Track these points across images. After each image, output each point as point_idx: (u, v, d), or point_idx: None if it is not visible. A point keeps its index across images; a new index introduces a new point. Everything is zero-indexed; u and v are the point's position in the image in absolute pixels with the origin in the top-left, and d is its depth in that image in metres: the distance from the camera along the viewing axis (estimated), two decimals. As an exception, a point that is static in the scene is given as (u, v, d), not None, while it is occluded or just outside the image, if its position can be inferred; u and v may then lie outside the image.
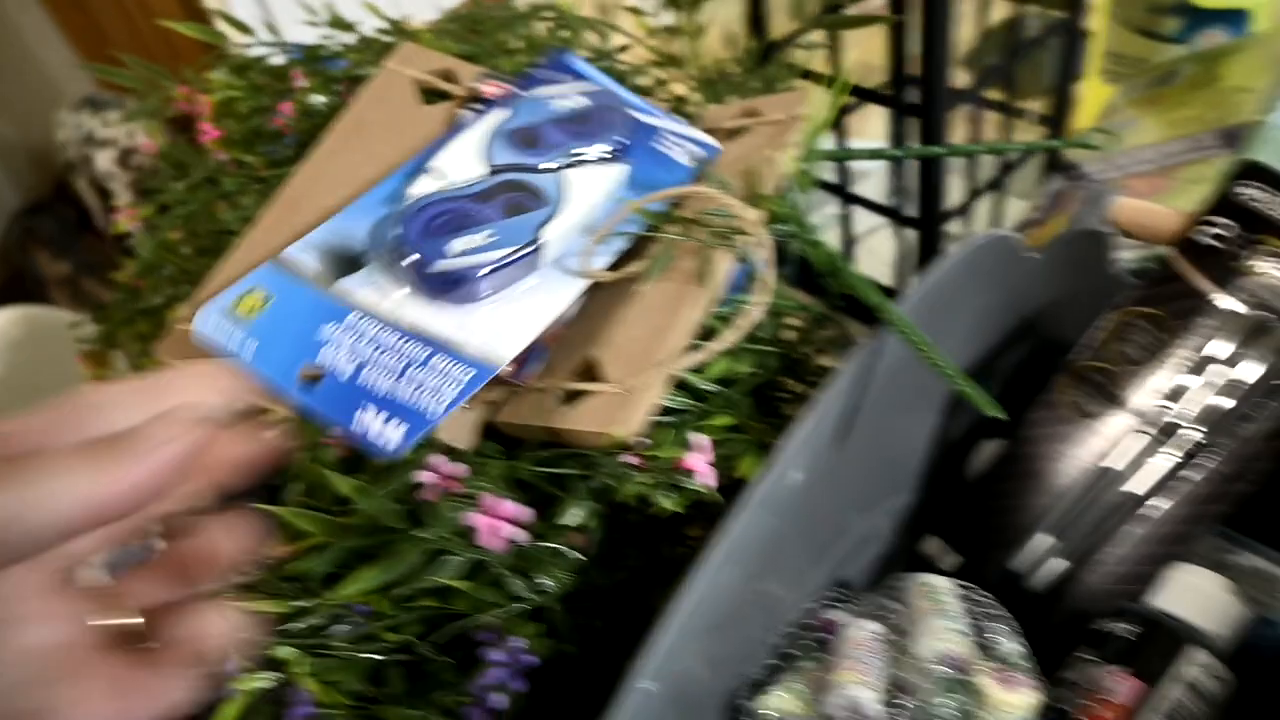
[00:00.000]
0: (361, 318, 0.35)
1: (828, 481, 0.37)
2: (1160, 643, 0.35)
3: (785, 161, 0.38)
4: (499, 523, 0.32)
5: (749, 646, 0.36)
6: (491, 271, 0.35)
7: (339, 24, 0.51)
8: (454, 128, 0.41)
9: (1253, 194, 0.36)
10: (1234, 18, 0.60)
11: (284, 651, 0.31)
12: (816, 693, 0.33)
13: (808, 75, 0.51)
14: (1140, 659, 0.34)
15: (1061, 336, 0.41)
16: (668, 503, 0.32)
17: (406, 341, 0.34)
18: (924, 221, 0.50)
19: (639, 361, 0.34)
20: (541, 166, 0.38)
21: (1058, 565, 0.37)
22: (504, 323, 0.35)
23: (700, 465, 0.32)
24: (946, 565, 0.39)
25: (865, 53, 0.55)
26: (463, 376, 0.33)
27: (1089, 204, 0.39)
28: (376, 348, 0.34)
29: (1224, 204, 0.36)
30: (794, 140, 0.39)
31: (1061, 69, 0.57)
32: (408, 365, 0.34)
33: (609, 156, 0.38)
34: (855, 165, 0.62)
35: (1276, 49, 0.54)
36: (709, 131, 0.41)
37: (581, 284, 0.37)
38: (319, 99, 0.48)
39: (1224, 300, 0.35)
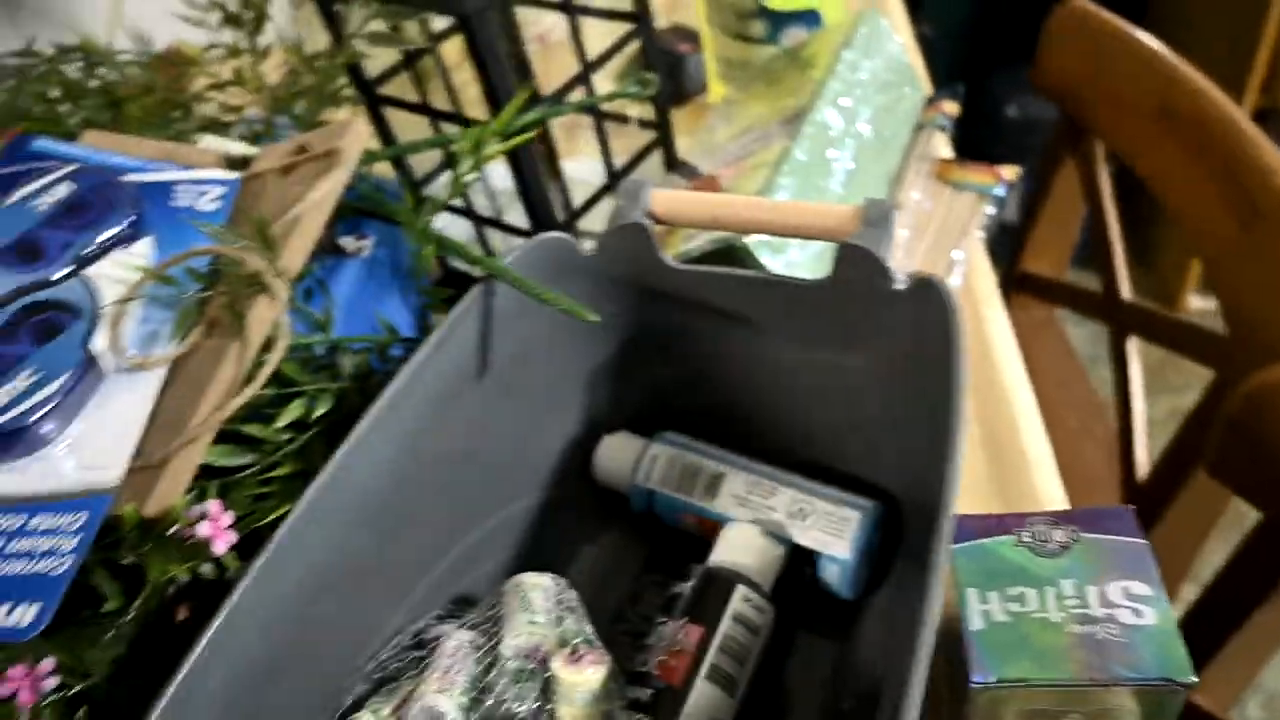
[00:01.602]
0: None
1: (418, 490, 0.39)
2: (714, 590, 0.38)
3: (326, 198, 0.39)
4: (38, 681, 0.31)
5: (339, 670, 0.36)
6: (52, 410, 0.33)
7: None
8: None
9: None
10: (808, 16, 0.67)
11: None
12: (401, 709, 0.34)
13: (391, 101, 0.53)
14: (700, 608, 0.37)
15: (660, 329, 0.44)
16: (177, 570, 0.32)
17: None
18: (533, 232, 0.52)
19: (170, 432, 0.34)
20: (56, 277, 0.36)
21: None
22: (95, 446, 0.33)
23: (214, 531, 0.32)
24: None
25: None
26: (74, 523, 0.31)
27: (628, 198, 0.42)
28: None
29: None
30: (339, 174, 0.40)
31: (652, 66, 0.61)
32: (5, 539, 0.31)
33: (127, 236, 0.37)
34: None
35: (836, 41, 0.60)
36: (257, 174, 0.42)
37: (156, 374, 0.35)
38: None
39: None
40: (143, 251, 0.37)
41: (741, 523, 0.41)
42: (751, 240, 0.47)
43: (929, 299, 0.36)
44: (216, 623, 0.29)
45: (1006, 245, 0.96)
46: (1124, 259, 0.77)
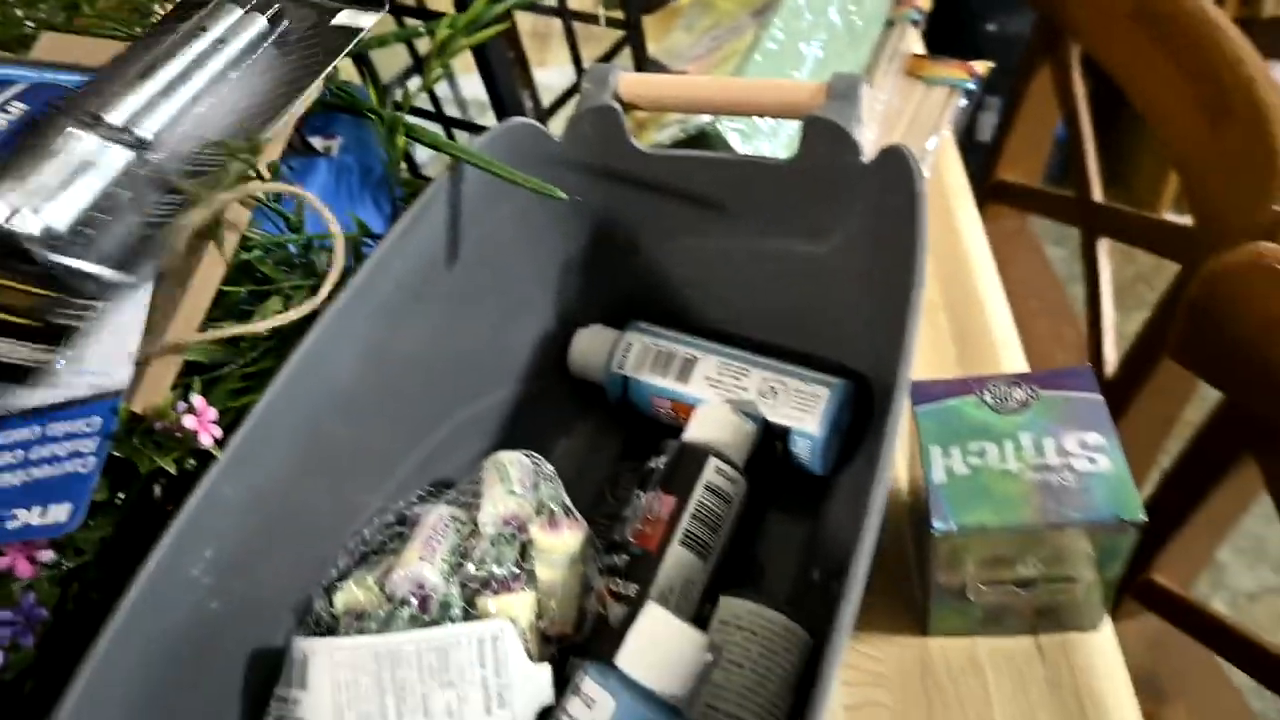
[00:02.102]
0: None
1: (390, 379, 0.39)
2: (687, 463, 0.39)
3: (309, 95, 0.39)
4: (35, 554, 0.32)
5: (324, 548, 0.37)
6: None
7: None
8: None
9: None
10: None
11: None
12: (385, 579, 0.35)
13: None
14: (675, 480, 0.39)
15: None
16: (167, 464, 0.32)
17: (7, 432, 0.31)
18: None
19: (155, 333, 0.34)
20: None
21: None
22: (99, 354, 0.32)
23: (200, 425, 0.33)
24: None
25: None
26: (90, 427, 0.30)
27: (596, 83, 0.42)
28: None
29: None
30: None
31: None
32: (26, 449, 0.31)
33: None
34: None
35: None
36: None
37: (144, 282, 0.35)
38: None
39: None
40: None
41: (714, 403, 0.42)
42: (722, 128, 0.47)
43: (894, 169, 0.36)
44: (192, 502, 0.30)
45: (981, 163, 0.96)
46: (1096, 162, 0.78)
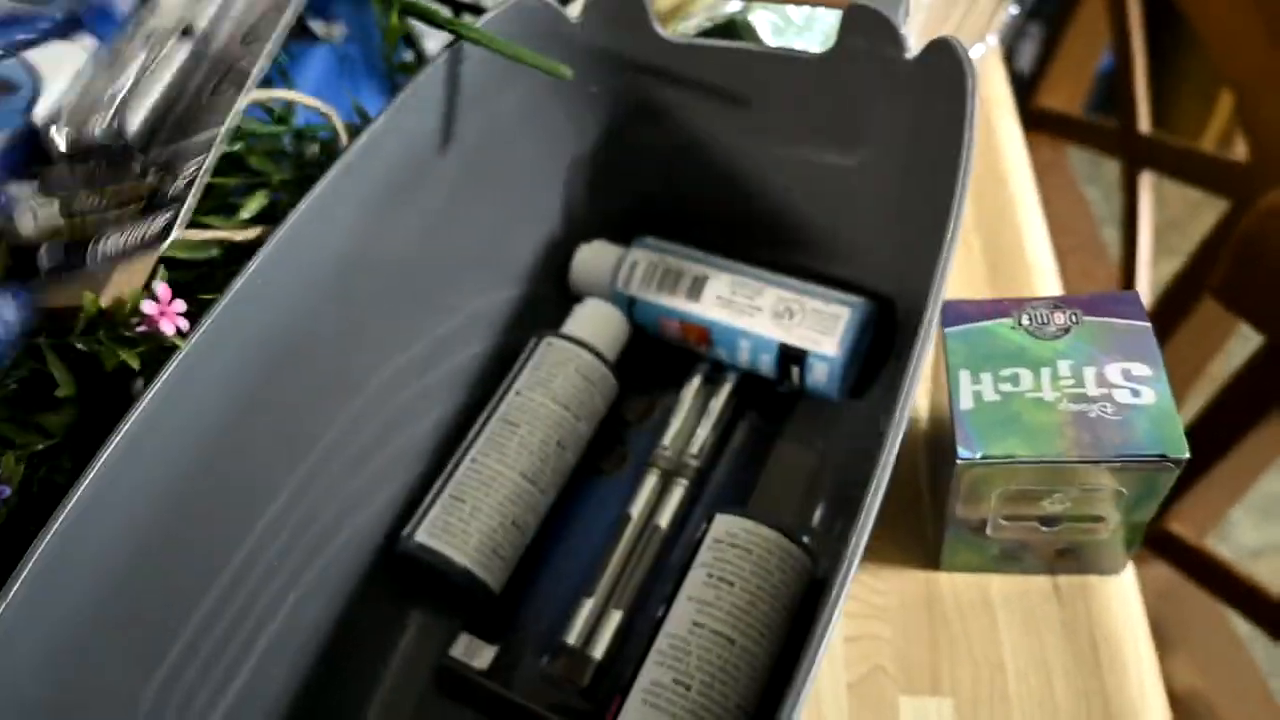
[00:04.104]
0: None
1: (383, 265, 0.37)
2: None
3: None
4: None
5: (307, 439, 0.35)
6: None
7: None
8: None
9: None
10: None
11: None
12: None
13: None
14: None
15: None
16: (128, 358, 0.30)
17: None
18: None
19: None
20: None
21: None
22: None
23: (163, 313, 0.30)
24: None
25: None
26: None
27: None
28: None
29: None
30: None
31: None
32: None
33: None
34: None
35: None
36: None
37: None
38: None
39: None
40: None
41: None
42: (753, 18, 0.43)
43: (942, 66, 0.33)
44: (159, 384, 0.28)
45: (1017, 94, 0.92)
46: (1146, 89, 0.73)
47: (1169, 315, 0.66)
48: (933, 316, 0.26)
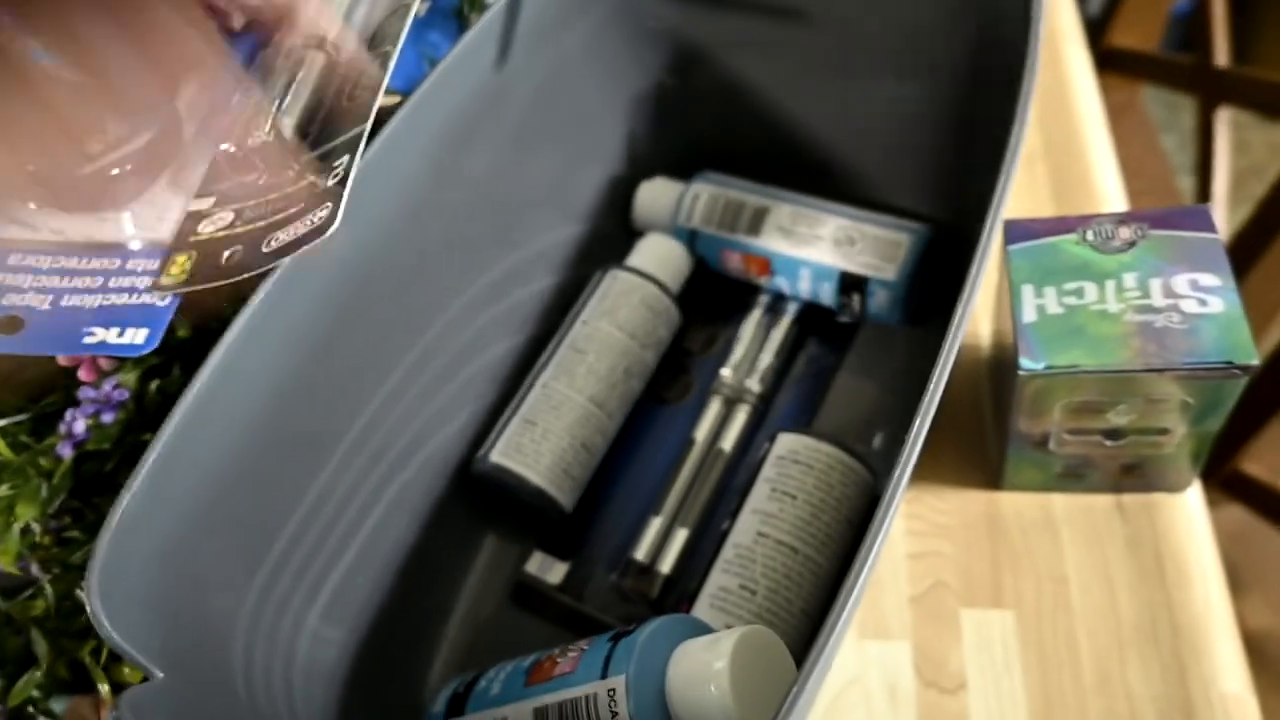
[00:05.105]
0: (24, 256, 0.33)
1: (452, 200, 0.38)
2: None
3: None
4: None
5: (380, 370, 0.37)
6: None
7: None
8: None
9: None
10: None
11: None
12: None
13: None
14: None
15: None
16: None
17: (89, 260, 0.33)
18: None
19: None
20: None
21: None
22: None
23: None
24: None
25: None
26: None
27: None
28: (62, 275, 0.33)
29: None
30: None
31: None
32: (105, 278, 0.32)
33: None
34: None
35: None
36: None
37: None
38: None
39: None
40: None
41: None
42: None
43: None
44: (255, 302, 0.30)
45: (1090, 37, 0.89)
46: (1224, 19, 0.70)
47: (1245, 257, 0.64)
48: (992, 229, 0.27)
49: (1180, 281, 0.31)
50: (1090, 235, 0.32)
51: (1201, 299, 0.30)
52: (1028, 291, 0.32)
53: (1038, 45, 0.30)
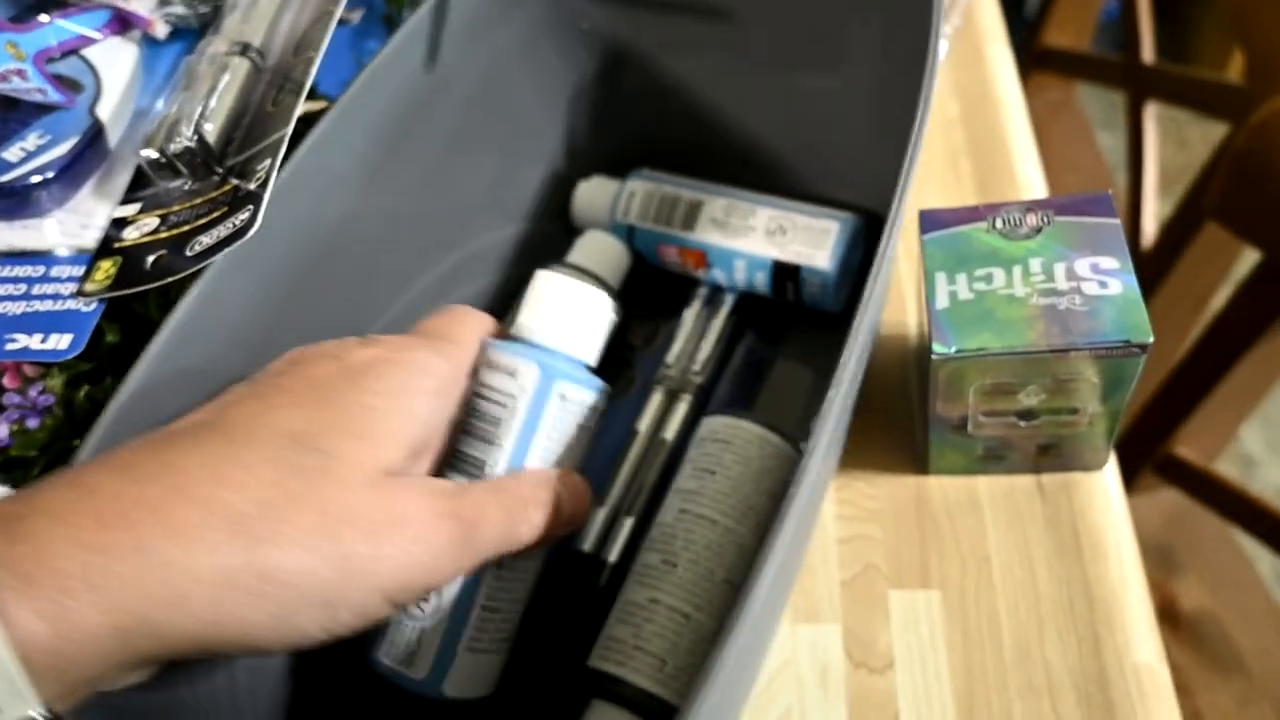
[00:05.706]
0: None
1: (390, 200, 0.38)
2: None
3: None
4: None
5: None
6: (61, 171, 0.34)
7: None
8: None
9: None
10: None
11: None
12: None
13: None
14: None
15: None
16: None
17: (11, 268, 0.33)
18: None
19: None
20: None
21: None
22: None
23: None
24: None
25: None
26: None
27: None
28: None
29: None
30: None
31: None
32: (29, 285, 0.33)
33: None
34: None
35: None
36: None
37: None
38: None
39: None
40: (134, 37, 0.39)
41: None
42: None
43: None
44: (170, 325, 0.30)
45: (1023, 39, 0.91)
46: (1150, 23, 0.73)
47: (1173, 247, 0.66)
48: (899, 210, 0.28)
49: (1082, 265, 0.32)
50: (999, 223, 0.34)
51: (1102, 281, 0.31)
52: (941, 279, 0.33)
53: (940, 24, 0.31)
